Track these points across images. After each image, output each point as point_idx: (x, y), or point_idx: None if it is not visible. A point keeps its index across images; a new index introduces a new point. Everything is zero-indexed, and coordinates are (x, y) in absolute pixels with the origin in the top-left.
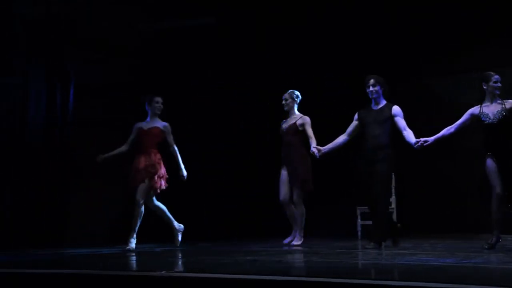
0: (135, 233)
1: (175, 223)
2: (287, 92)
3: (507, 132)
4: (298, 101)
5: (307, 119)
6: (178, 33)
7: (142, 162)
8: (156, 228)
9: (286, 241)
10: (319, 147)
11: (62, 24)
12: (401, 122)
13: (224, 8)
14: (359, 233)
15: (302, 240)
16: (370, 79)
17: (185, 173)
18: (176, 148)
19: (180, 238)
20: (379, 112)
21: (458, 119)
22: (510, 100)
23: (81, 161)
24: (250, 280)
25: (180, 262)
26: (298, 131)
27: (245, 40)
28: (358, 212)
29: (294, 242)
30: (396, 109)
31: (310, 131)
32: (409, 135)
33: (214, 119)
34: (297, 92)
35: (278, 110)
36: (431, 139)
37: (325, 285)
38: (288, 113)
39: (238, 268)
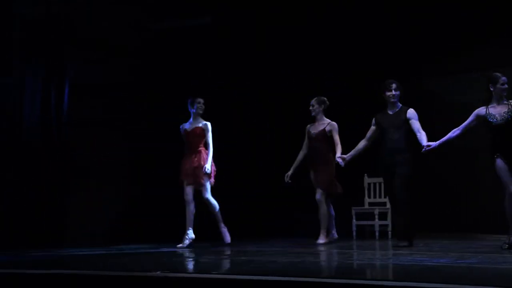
0: (191, 227)
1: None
2: (314, 99)
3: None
4: (325, 107)
5: (335, 125)
6: (177, 33)
7: (194, 161)
8: (153, 229)
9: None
10: (343, 156)
11: (62, 24)
12: (415, 124)
13: (224, 7)
14: (354, 233)
15: (325, 239)
16: (392, 83)
17: (208, 170)
18: (211, 146)
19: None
20: (395, 116)
21: (457, 119)
22: None
23: (80, 161)
24: (244, 280)
25: (175, 263)
26: (327, 137)
27: (245, 40)
28: (353, 212)
29: (318, 241)
30: (411, 112)
31: (337, 138)
32: (422, 137)
33: (215, 119)
34: (323, 98)
35: (277, 110)
36: (435, 144)
37: (320, 285)
38: (315, 119)
39: (233, 269)
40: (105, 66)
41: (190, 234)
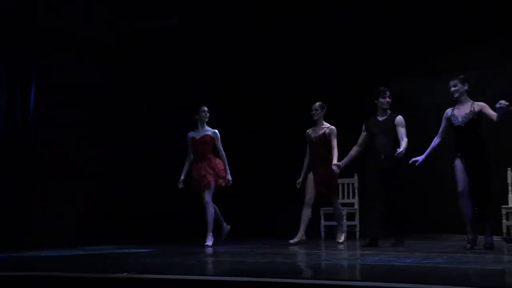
0: (211, 231)
1: (224, 224)
2: (318, 103)
3: (474, 134)
4: (325, 111)
5: (334, 130)
6: (150, 34)
7: (206, 168)
8: (121, 229)
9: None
10: (338, 163)
11: (29, 22)
12: (401, 131)
13: (225, 8)
14: (323, 234)
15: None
16: (387, 91)
17: (230, 177)
18: (223, 153)
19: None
20: (385, 123)
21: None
22: (480, 103)
23: (47, 162)
24: (208, 281)
25: (143, 264)
26: (326, 140)
27: (245, 40)
28: (322, 213)
29: (338, 240)
30: (398, 119)
31: (334, 142)
32: (402, 144)
33: (215, 119)
34: (323, 103)
35: (277, 110)
36: (421, 158)
37: (287, 285)
38: (316, 122)
39: (200, 269)
40: (74, 66)
41: (226, 227)
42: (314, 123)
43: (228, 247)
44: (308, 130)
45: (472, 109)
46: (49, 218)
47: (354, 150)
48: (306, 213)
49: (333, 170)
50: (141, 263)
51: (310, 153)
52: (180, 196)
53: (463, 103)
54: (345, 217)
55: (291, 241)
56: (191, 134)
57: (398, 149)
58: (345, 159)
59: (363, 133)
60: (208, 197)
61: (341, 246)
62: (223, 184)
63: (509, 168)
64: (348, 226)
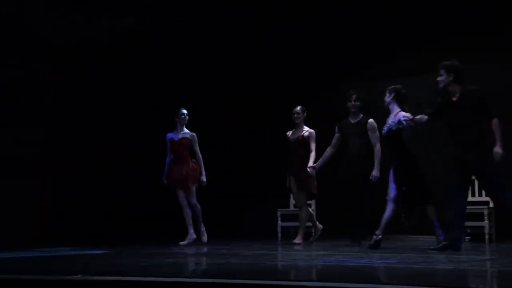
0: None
1: (203, 227)
2: (299, 107)
3: (393, 144)
4: (305, 114)
5: (313, 133)
6: (150, 33)
7: (184, 169)
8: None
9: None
10: (314, 165)
11: None
12: (372, 137)
13: (224, 8)
14: (279, 235)
15: (302, 240)
16: (353, 94)
17: (205, 179)
18: (200, 156)
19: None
20: (356, 125)
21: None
22: (402, 113)
23: None
24: (165, 282)
25: (97, 266)
26: (305, 143)
27: (245, 40)
28: (279, 214)
29: (295, 241)
30: (369, 123)
31: (313, 145)
32: (378, 154)
33: (215, 119)
34: (304, 108)
35: (277, 109)
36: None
37: (243, 286)
38: (297, 125)
39: (156, 271)
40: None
41: (192, 234)
42: (295, 126)
43: (191, 249)
44: (288, 133)
45: (393, 120)
46: (2, 219)
47: (328, 152)
48: (301, 214)
49: (309, 173)
50: (95, 264)
51: (290, 154)
52: (138, 195)
53: (392, 112)
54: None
55: (295, 240)
56: (170, 135)
57: (372, 172)
58: (320, 161)
59: (336, 135)
60: (192, 198)
61: (298, 247)
62: (197, 185)
63: None
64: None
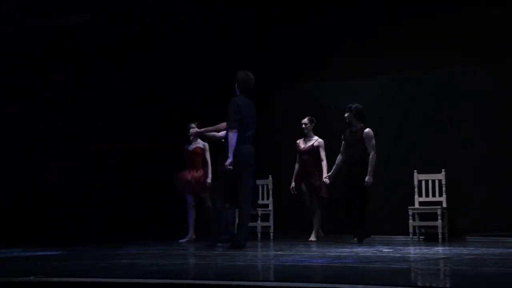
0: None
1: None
2: (307, 118)
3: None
4: (315, 125)
5: (322, 142)
6: (150, 33)
7: (191, 174)
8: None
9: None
10: (329, 174)
11: None
12: (368, 145)
13: (225, 8)
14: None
15: (316, 239)
16: (347, 108)
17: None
18: (209, 163)
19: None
20: (354, 134)
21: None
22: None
23: None
24: (122, 283)
25: (50, 267)
26: (315, 151)
27: (245, 40)
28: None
29: (311, 239)
30: (365, 133)
31: (323, 154)
32: (371, 162)
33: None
34: (312, 117)
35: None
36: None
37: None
38: (306, 135)
39: (112, 272)
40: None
41: (192, 234)
42: (304, 135)
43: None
44: (298, 141)
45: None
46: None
47: (339, 159)
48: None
49: (321, 178)
50: (49, 266)
51: (300, 163)
52: (138, 195)
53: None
54: (259, 218)
55: (310, 238)
56: (186, 145)
57: (366, 178)
58: (333, 170)
59: (342, 142)
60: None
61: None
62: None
63: (415, 171)
64: (262, 227)
